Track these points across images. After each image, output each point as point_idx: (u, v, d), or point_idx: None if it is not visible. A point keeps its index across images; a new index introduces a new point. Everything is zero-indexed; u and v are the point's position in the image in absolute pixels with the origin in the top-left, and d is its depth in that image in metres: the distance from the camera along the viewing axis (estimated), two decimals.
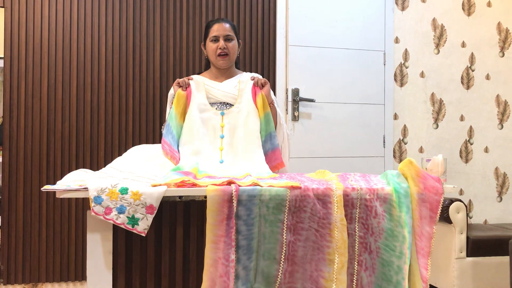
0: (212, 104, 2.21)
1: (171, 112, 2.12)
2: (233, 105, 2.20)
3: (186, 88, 2.18)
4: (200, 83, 2.22)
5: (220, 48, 2.26)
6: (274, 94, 3.14)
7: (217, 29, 2.27)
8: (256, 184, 1.59)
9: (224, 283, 1.49)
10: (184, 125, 2.09)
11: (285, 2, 3.18)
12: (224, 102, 2.23)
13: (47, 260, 2.92)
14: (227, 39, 2.28)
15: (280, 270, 1.56)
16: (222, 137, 2.11)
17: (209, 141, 2.09)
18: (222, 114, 2.15)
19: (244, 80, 2.25)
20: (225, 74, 2.35)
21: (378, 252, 1.61)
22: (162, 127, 2.29)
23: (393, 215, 1.61)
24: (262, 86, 2.21)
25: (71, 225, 2.95)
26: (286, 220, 1.56)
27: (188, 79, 2.22)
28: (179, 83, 2.19)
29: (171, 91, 2.38)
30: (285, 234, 1.56)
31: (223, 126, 2.12)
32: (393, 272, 1.58)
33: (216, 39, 2.27)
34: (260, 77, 2.36)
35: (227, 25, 2.30)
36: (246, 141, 2.08)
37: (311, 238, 1.58)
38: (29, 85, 2.92)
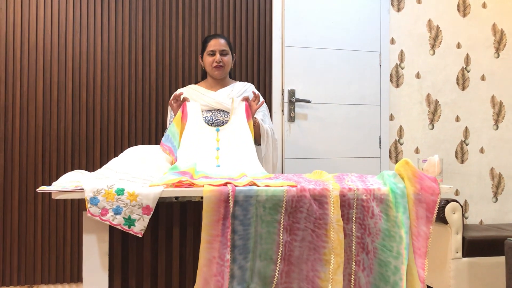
0: (206, 111, 2.41)
1: (172, 127, 2.22)
2: (227, 119, 2.34)
3: (180, 101, 2.31)
4: (197, 103, 2.33)
5: (216, 62, 2.52)
6: (270, 95, 3.17)
7: (214, 44, 2.53)
8: (253, 184, 1.59)
9: (218, 283, 1.49)
10: (181, 143, 2.16)
11: (281, 3, 3.18)
12: (218, 109, 2.43)
13: (42, 261, 2.91)
14: (223, 53, 2.53)
15: (276, 270, 1.56)
16: (218, 149, 2.19)
17: (206, 154, 2.13)
18: (217, 130, 2.24)
19: (237, 99, 2.37)
20: (219, 83, 2.59)
21: (375, 252, 1.61)
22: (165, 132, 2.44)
23: (389, 215, 1.61)
24: (249, 100, 2.37)
25: (67, 226, 2.94)
26: (282, 221, 1.56)
27: (183, 100, 2.33)
28: (172, 100, 2.35)
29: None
30: (281, 235, 1.56)
31: (219, 140, 2.22)
32: (390, 273, 1.58)
33: (212, 53, 2.52)
34: (252, 88, 2.59)
35: (223, 41, 2.55)
36: (241, 150, 2.16)
37: (307, 239, 1.58)
38: (24, 86, 2.91)
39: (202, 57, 2.60)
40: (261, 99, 2.61)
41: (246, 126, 2.25)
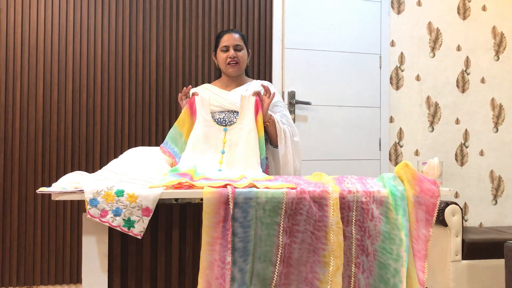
0: (219, 112, 2.27)
1: (173, 131, 2.19)
2: (235, 121, 2.24)
3: (188, 97, 2.25)
4: (205, 99, 2.25)
5: (230, 57, 2.36)
6: None
7: (227, 39, 2.38)
8: (252, 186, 1.59)
9: (220, 285, 1.49)
10: (188, 142, 2.13)
11: (282, 5, 3.19)
12: (231, 110, 2.28)
13: (42, 262, 2.90)
14: (237, 49, 2.38)
15: (275, 272, 1.56)
16: (223, 152, 2.15)
17: (210, 156, 2.12)
18: (225, 130, 2.19)
19: (247, 95, 2.25)
20: (234, 82, 2.44)
21: (375, 254, 1.61)
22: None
23: (389, 218, 1.61)
24: (262, 96, 2.26)
25: (66, 227, 2.94)
26: (282, 223, 1.56)
27: (193, 94, 2.27)
28: (181, 97, 2.27)
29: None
30: (281, 237, 1.56)
31: (225, 142, 2.18)
32: (390, 275, 1.58)
33: (226, 49, 2.38)
34: (266, 85, 2.34)
35: (237, 35, 2.41)
36: (245, 157, 2.12)
37: (306, 241, 1.58)
38: (25, 87, 2.91)
39: (215, 54, 2.46)
40: (272, 90, 2.38)
41: (254, 127, 2.18)
